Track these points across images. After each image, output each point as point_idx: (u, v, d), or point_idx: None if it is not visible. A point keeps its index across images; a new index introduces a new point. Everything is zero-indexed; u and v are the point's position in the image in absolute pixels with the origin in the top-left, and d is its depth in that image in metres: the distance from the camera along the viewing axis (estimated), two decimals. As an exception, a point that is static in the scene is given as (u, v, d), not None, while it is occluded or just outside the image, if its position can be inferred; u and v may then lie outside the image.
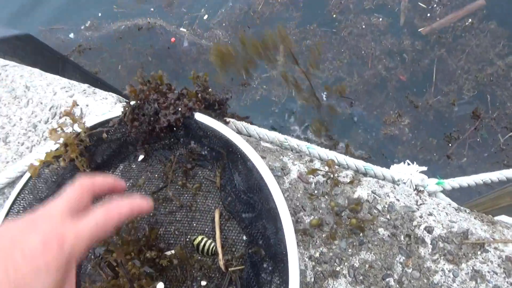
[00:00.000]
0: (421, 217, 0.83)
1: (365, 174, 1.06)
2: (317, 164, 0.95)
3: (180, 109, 0.93)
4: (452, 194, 1.11)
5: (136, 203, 0.60)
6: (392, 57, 3.08)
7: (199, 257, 0.86)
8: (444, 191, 1.11)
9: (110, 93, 1.12)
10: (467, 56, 3.00)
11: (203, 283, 0.83)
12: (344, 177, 0.92)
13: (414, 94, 2.93)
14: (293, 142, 1.11)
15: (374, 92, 2.99)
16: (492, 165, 2.66)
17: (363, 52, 3.14)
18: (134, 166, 0.99)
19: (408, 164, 1.13)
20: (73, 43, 3.77)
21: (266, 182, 0.80)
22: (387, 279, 0.79)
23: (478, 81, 2.90)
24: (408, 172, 1.09)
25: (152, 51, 3.57)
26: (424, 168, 1.11)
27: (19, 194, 0.97)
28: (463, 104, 2.86)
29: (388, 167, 1.11)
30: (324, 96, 3.03)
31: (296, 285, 0.71)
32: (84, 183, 0.59)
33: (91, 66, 3.59)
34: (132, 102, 0.95)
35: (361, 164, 1.08)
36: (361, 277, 0.80)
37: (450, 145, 2.76)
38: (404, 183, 1.07)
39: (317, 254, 0.83)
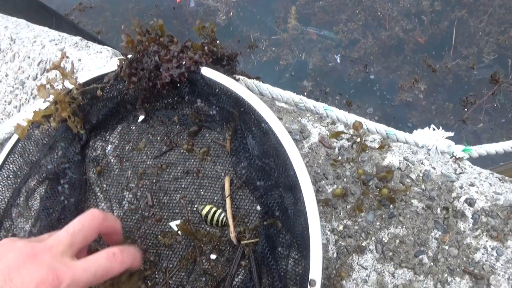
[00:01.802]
0: (461, 187, 0.73)
1: (386, 139, 0.96)
2: (340, 127, 0.84)
3: (184, 62, 0.81)
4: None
5: (138, 256, 0.61)
6: (410, 18, 2.88)
7: (208, 228, 0.77)
8: (469, 159, 1.02)
9: (106, 46, 1.00)
10: (489, 17, 2.81)
11: (213, 256, 0.75)
12: (371, 141, 0.81)
13: (432, 57, 2.76)
14: (309, 103, 1.00)
15: (390, 55, 2.83)
16: (508, 131, 2.56)
17: (379, 13, 2.94)
18: (133, 127, 0.89)
19: (434, 129, 1.03)
20: (73, 1, 3.57)
21: (284, 147, 0.70)
22: (420, 256, 0.70)
23: (500, 44, 2.73)
24: (433, 138, 0.99)
25: (156, 12, 3.37)
26: (451, 134, 1.01)
27: (7, 157, 0.88)
28: (482, 68, 2.71)
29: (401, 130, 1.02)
30: (338, 58, 2.87)
31: (319, 261, 0.63)
32: (96, 217, 0.56)
33: (93, 25, 3.42)
34: (130, 56, 0.83)
35: (382, 129, 0.97)
36: (390, 253, 0.71)
37: (465, 110, 2.63)
38: (429, 149, 0.98)
39: (341, 227, 0.74)
